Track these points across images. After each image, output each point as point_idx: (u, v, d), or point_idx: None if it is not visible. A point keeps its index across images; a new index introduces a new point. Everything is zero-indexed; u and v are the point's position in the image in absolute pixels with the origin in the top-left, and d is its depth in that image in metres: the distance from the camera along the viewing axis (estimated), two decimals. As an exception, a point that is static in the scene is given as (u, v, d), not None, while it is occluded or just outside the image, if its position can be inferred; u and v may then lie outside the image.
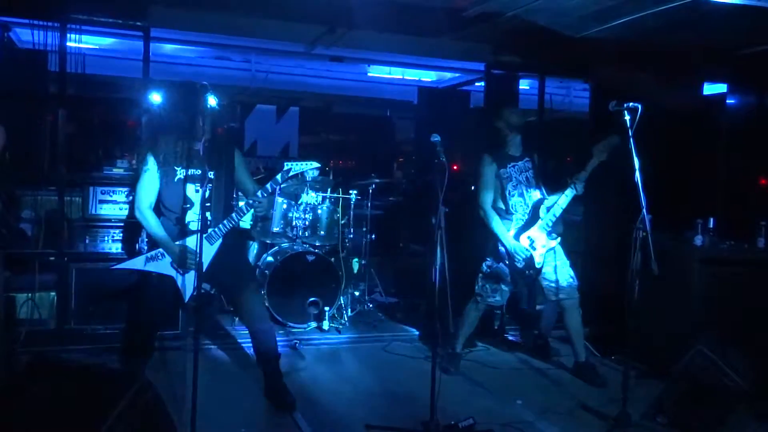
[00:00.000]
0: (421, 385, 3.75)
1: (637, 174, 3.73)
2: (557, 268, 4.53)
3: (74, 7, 5.02)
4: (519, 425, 3.82)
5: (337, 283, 5.76)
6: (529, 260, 4.43)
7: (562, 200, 4.39)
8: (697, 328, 4.38)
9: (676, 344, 4.24)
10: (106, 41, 6.53)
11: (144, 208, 3.67)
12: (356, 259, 6.40)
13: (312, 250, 5.82)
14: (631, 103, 3.67)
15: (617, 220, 4.37)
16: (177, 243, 3.68)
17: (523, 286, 4.57)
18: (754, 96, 6.04)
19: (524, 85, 7.48)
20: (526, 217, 4.49)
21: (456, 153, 6.25)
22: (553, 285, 4.54)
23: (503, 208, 4.50)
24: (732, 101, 6.23)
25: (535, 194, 4.54)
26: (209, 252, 3.71)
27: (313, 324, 5.62)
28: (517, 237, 4.45)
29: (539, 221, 4.46)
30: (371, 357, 5.06)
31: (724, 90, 6.38)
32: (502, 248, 4.46)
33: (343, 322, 5.82)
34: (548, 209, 4.45)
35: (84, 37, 5.15)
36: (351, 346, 5.31)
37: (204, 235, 3.65)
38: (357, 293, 6.39)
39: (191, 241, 3.65)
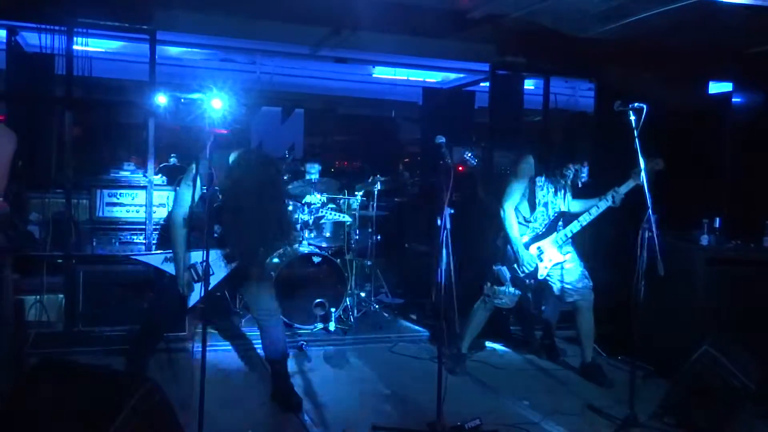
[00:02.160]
0: (428, 385, 3.76)
1: (643, 174, 3.73)
2: (571, 270, 4.50)
3: (81, 10, 5.05)
4: (526, 426, 3.81)
5: (343, 285, 5.77)
6: (533, 271, 4.43)
7: (583, 218, 4.34)
8: (704, 328, 4.37)
9: (682, 344, 4.23)
10: (113, 44, 6.56)
11: (177, 217, 3.65)
12: (362, 261, 6.43)
13: (318, 251, 5.83)
14: (636, 104, 3.66)
15: (623, 220, 4.36)
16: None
17: (525, 291, 4.57)
18: (759, 95, 6.02)
19: (529, 85, 7.47)
20: (543, 228, 4.48)
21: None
22: (568, 287, 4.50)
23: (525, 214, 4.47)
24: (738, 100, 6.20)
25: (559, 207, 4.48)
26: (223, 271, 3.75)
27: (320, 325, 5.62)
28: (527, 246, 4.43)
29: (554, 234, 4.45)
30: (377, 358, 5.06)
31: (730, 89, 6.36)
32: (510, 251, 4.45)
33: (349, 323, 5.83)
34: (566, 225, 4.43)
35: (90, 41, 5.18)
36: (357, 347, 5.32)
37: (224, 254, 3.69)
38: (363, 294, 6.40)
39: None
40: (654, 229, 3.64)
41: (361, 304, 6.24)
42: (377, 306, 6.34)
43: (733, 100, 6.21)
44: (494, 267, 4.54)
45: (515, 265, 4.44)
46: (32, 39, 5.42)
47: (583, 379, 4.67)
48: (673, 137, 5.54)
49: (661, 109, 3.86)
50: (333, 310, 5.60)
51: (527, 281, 4.48)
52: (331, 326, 5.57)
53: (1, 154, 3.49)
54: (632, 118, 3.68)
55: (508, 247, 4.46)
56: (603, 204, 4.29)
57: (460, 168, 7.20)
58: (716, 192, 5.90)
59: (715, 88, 6.65)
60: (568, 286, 4.51)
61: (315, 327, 5.62)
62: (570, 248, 4.54)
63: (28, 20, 5.18)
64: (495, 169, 6.36)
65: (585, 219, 4.35)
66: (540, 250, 4.45)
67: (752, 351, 3.91)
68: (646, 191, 3.69)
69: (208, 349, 3.15)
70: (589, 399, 4.26)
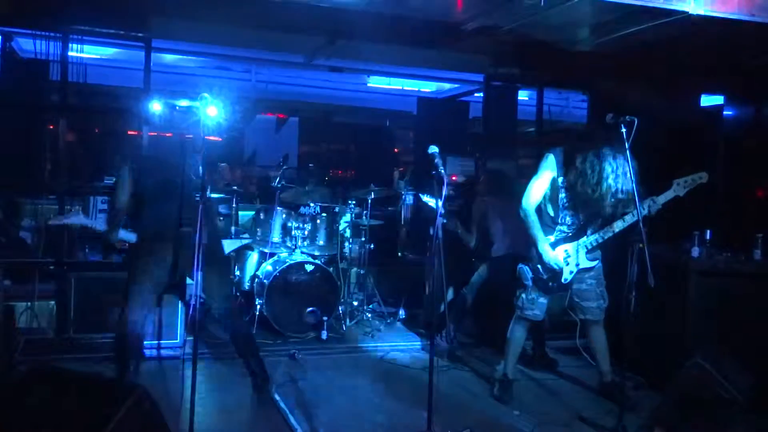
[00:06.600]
0: (419, 394, 3.76)
1: (634, 186, 3.75)
2: (591, 288, 4.31)
3: (76, 17, 5.06)
4: (516, 436, 3.82)
5: (335, 293, 5.76)
6: (557, 273, 4.20)
7: (617, 225, 4.09)
8: (694, 340, 4.39)
9: (672, 356, 4.24)
10: (108, 51, 6.57)
11: None
12: (355, 269, 6.43)
13: (311, 259, 5.83)
14: (627, 116, 3.68)
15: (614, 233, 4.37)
16: None
17: (548, 293, 4.29)
18: (750, 108, 6.08)
19: (523, 95, 7.52)
20: (571, 232, 4.21)
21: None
22: (582, 304, 4.33)
23: (551, 215, 4.24)
24: (729, 113, 6.26)
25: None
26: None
27: (312, 333, 5.62)
28: (553, 247, 4.19)
29: (582, 238, 4.20)
30: (369, 366, 5.06)
31: (721, 102, 6.42)
32: (535, 252, 4.21)
33: (341, 331, 5.82)
34: (595, 230, 4.18)
35: (86, 47, 5.19)
36: (349, 355, 5.31)
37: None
38: (355, 303, 6.39)
39: None
40: (644, 241, 3.65)
41: (353, 312, 6.24)
42: (369, 315, 6.34)
43: (724, 113, 6.27)
44: (518, 266, 4.34)
45: (538, 265, 4.22)
46: (27, 45, 5.42)
47: (573, 389, 4.67)
48: (664, 149, 5.59)
49: (654, 121, 3.88)
50: (325, 318, 5.59)
51: (550, 284, 4.23)
52: (324, 335, 5.56)
53: None
54: (624, 130, 3.70)
55: (531, 248, 4.23)
56: (629, 218, 4.04)
57: (454, 177, 7.24)
58: (707, 204, 5.94)
59: (707, 101, 6.71)
60: (583, 304, 4.32)
61: (307, 335, 5.61)
62: (598, 257, 4.28)
63: (23, 26, 5.19)
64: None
65: (618, 226, 4.07)
66: (567, 254, 4.20)
67: (743, 363, 3.92)
68: (637, 202, 3.71)
69: (198, 356, 3.15)
70: (579, 410, 4.27)
